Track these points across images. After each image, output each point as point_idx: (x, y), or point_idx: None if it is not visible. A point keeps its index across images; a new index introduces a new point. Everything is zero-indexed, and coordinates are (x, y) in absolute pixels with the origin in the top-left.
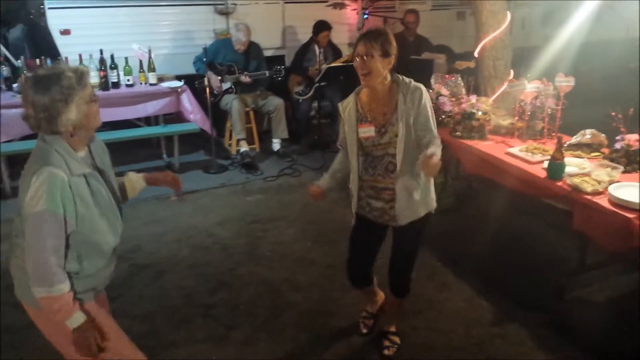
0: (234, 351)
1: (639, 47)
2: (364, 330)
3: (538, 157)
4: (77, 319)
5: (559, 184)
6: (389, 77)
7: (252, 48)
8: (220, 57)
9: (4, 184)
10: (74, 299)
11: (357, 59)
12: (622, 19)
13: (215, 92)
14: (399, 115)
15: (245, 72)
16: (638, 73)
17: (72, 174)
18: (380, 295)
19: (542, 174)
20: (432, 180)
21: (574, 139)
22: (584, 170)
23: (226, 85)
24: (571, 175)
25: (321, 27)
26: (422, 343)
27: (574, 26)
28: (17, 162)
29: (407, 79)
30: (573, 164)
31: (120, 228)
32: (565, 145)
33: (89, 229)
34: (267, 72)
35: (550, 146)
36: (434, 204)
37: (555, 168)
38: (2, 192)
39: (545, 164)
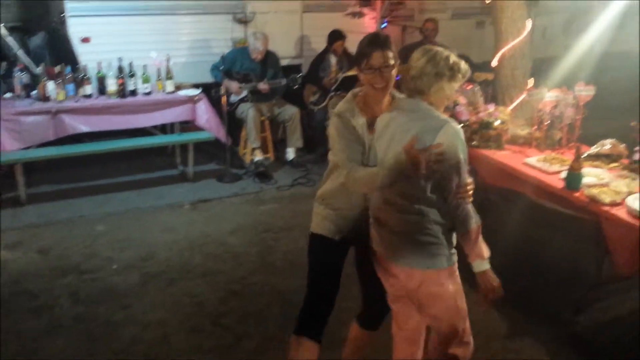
0: None
1: None
2: None
3: (556, 168)
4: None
5: (577, 194)
6: None
7: (269, 57)
8: (237, 65)
9: (20, 191)
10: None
11: (373, 72)
12: None
13: (232, 99)
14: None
15: (265, 80)
16: None
17: None
18: None
19: (560, 184)
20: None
21: (593, 149)
22: (603, 181)
23: (242, 94)
24: (589, 186)
25: (336, 36)
26: None
27: (595, 37)
28: (34, 170)
29: (401, 95)
30: (591, 175)
31: None
32: (584, 155)
33: None
34: (283, 80)
35: (569, 156)
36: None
37: (573, 178)
38: (18, 199)
39: (563, 175)
